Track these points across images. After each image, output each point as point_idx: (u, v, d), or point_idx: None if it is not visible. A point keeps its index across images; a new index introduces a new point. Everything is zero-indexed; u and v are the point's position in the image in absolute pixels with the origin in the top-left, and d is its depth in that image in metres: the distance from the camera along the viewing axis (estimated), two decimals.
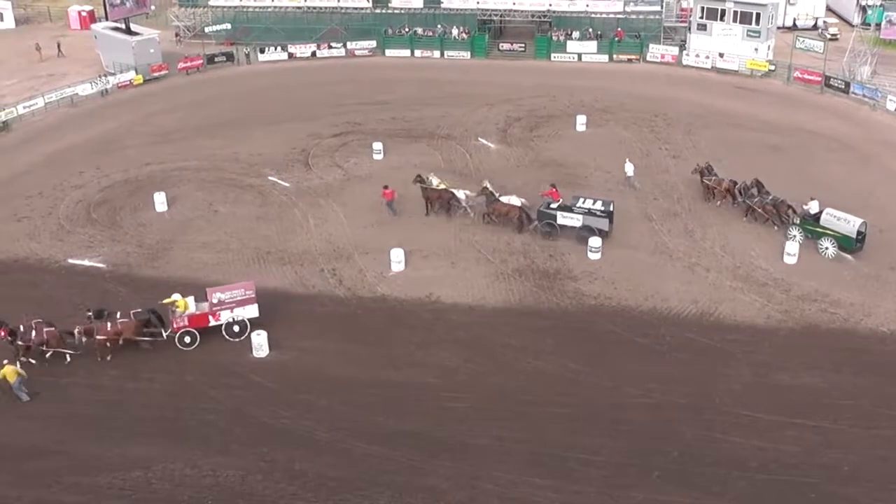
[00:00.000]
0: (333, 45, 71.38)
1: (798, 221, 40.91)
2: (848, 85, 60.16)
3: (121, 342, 34.42)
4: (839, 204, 41.15)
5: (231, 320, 35.16)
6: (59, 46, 72.67)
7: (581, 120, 54.78)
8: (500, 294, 38.01)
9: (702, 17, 66.21)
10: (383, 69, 67.88)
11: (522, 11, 71.36)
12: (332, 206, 45.73)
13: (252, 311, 35.25)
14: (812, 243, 40.32)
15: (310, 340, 35.43)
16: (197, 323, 34.99)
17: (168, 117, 59.30)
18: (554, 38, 69.30)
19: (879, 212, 42.97)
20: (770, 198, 42.40)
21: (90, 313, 34.62)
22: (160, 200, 45.99)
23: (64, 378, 33.52)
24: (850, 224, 39.58)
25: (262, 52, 70.99)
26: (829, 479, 27.79)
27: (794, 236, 40.65)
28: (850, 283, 38.03)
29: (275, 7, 74.60)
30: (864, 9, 74.10)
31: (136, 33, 68.12)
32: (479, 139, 53.52)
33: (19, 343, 33.96)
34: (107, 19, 69.51)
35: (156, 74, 66.58)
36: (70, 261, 41.59)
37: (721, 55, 65.16)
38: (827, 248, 39.81)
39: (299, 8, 74.48)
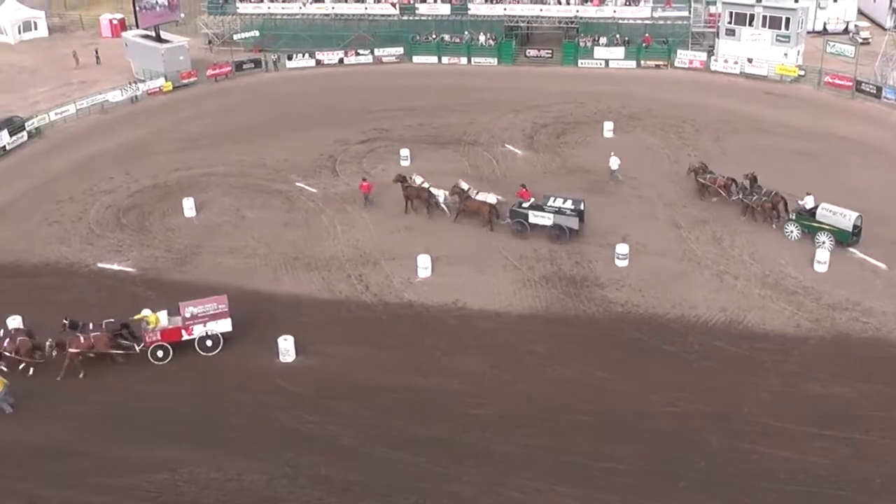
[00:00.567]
0: (361, 51, 71.49)
1: (794, 217, 41.23)
2: (880, 90, 59.48)
3: (92, 355, 33.97)
4: (873, 210, 40.91)
5: (204, 334, 34.80)
6: (97, 53, 73.29)
7: (608, 126, 54.52)
8: (527, 301, 37.81)
9: (730, 22, 65.58)
10: (410, 76, 67.91)
11: (549, 18, 71.21)
12: (359, 212, 45.69)
13: (225, 325, 34.82)
14: (809, 238, 40.67)
15: (336, 346, 35.35)
16: (169, 337, 34.64)
17: (197, 123, 59.56)
18: (581, 44, 69.08)
19: None
20: (763, 192, 42.64)
21: (66, 322, 34.34)
22: (188, 206, 46.18)
23: (92, 381, 33.61)
24: (846, 218, 39.83)
25: (290, 58, 71.15)
26: (860, 492, 27.32)
27: (791, 232, 41.22)
28: (881, 292, 37.50)
29: (303, 14, 74.88)
30: None
31: (165, 41, 68.55)
32: (506, 145, 53.37)
33: None
34: (137, 27, 70.03)
35: (185, 81, 66.93)
36: (100, 265, 41.83)
37: (750, 60, 64.61)
38: (824, 243, 39.92)
39: (327, 15, 74.69)
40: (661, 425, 30.31)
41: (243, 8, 75.62)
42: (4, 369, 33.75)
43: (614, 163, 48.03)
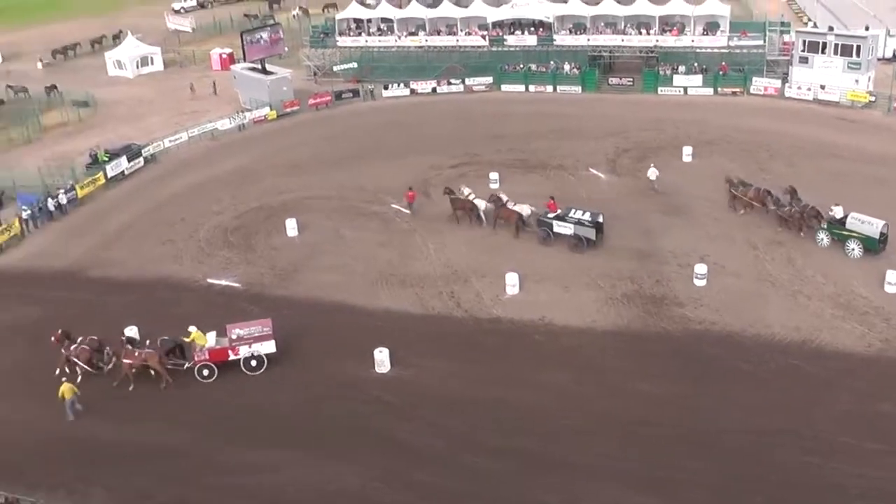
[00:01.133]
0: (453, 81, 72.15)
1: (825, 226, 41.97)
2: None
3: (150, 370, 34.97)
4: None
5: (249, 355, 35.28)
6: (214, 85, 75.49)
7: (687, 151, 54.17)
8: (610, 318, 37.81)
9: (804, 51, 64.60)
10: (499, 103, 68.29)
11: (631, 47, 71.17)
12: (451, 232, 46.21)
13: (269, 346, 35.18)
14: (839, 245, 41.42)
15: (428, 358, 35.77)
16: (217, 357, 35.16)
17: (299, 150, 60.70)
18: (661, 72, 68.70)
19: None
20: (801, 205, 43.20)
21: (125, 337, 35.45)
22: (291, 226, 47.20)
23: (201, 388, 34.75)
24: (873, 226, 40.61)
25: (387, 88, 72.17)
26: None
27: (822, 240, 42.07)
28: None
29: (398, 47, 76.09)
30: None
31: (270, 72, 70.29)
32: (590, 169, 53.31)
33: (63, 352, 35.28)
34: (245, 60, 71.95)
35: (288, 110, 68.39)
36: (209, 281, 43.04)
37: (822, 87, 63.57)
38: (853, 249, 40.84)
39: (421, 47, 75.74)
40: (738, 440, 30.04)
41: (342, 42, 77.31)
42: (80, 372, 35.21)
43: (653, 174, 49.66)
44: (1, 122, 69.64)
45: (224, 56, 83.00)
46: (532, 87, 70.89)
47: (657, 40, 69.91)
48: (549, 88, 70.53)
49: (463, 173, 53.98)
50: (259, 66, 70.67)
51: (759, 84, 66.27)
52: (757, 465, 28.90)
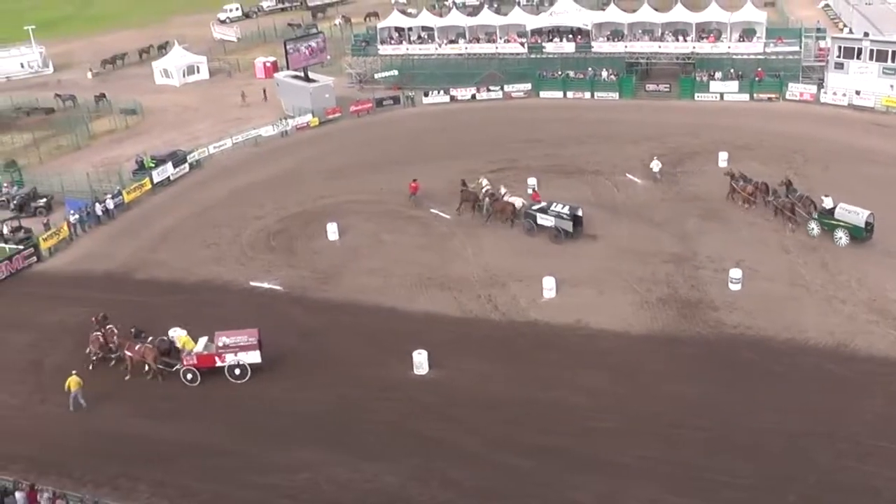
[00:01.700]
0: (492, 88, 72.18)
1: (816, 216, 43.29)
2: None
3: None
4: None
5: (234, 363, 35.23)
6: (264, 92, 75.98)
7: (723, 156, 53.70)
8: (645, 322, 37.57)
9: (839, 56, 63.90)
10: (537, 110, 68.25)
11: (668, 54, 71.01)
12: (489, 237, 46.17)
13: (254, 356, 35.08)
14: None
15: (466, 360, 35.74)
16: (203, 363, 35.28)
17: (340, 155, 60.98)
18: (697, 78, 68.26)
19: None
20: (797, 195, 44.91)
21: (133, 330, 36.69)
22: (332, 230, 47.40)
23: (242, 388, 34.95)
24: (859, 216, 41.94)
25: (427, 95, 72.32)
26: None
27: (813, 229, 43.32)
28: None
29: (438, 55, 76.27)
30: None
31: (313, 80, 70.74)
32: (627, 174, 53.08)
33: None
34: (288, 68, 72.44)
35: (330, 117, 68.76)
36: (251, 283, 43.31)
37: (857, 93, 62.85)
38: (840, 238, 42.18)
39: (460, 55, 75.94)
40: (771, 442, 29.74)
41: (384, 50, 77.66)
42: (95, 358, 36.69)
43: (656, 165, 51.73)
44: (51, 130, 70.78)
45: (268, 64, 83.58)
46: (570, 94, 70.76)
47: (694, 47, 69.74)
48: (587, 95, 70.36)
49: (501, 178, 53.77)
50: (302, 74, 71.13)
51: (795, 90, 65.71)
52: (791, 466, 28.59)
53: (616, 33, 72.14)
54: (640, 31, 71.18)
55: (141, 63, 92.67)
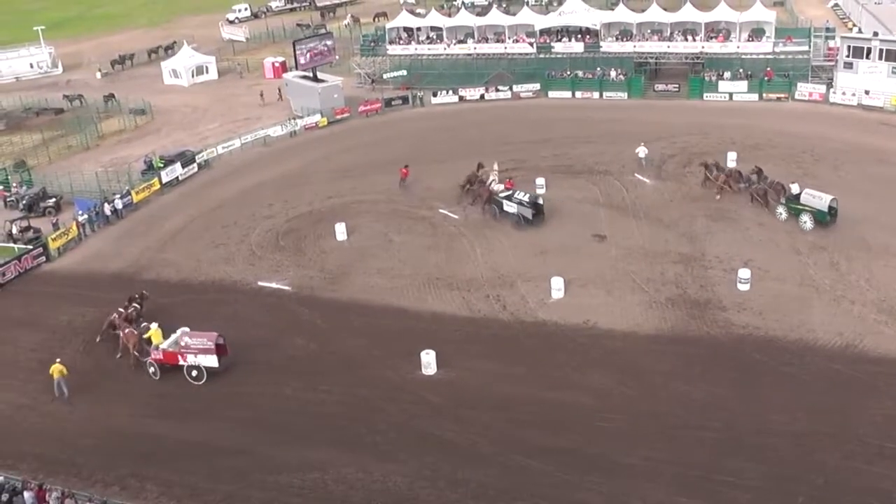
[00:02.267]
0: (500, 88, 72.14)
1: (784, 201, 45.14)
2: None
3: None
4: None
5: (193, 364, 35.22)
6: (279, 91, 75.92)
7: (732, 156, 53.47)
8: (653, 322, 37.48)
9: (848, 56, 63.72)
10: (546, 110, 68.21)
11: (676, 54, 70.93)
12: (498, 237, 46.13)
13: (211, 360, 35.05)
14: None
15: (475, 360, 35.70)
16: (167, 359, 35.50)
17: (349, 155, 61.01)
18: (706, 78, 68.11)
19: None
20: (768, 181, 46.72)
21: (131, 310, 38.37)
22: (341, 230, 47.41)
23: (250, 388, 34.98)
24: (822, 200, 43.65)
25: (435, 95, 72.30)
26: None
27: (781, 213, 45.14)
28: None
29: (447, 55, 76.35)
30: None
31: (322, 80, 70.81)
32: (635, 174, 52.96)
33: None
34: (297, 69, 72.53)
35: (339, 117, 68.82)
36: (260, 283, 43.34)
37: (867, 92, 62.64)
38: (805, 222, 43.91)
39: (469, 55, 76.00)
40: (779, 443, 29.63)
41: (392, 50, 77.82)
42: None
43: (642, 152, 53.31)
44: (60, 130, 71.03)
45: (276, 64, 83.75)
46: (578, 94, 70.67)
47: (703, 46, 69.64)
48: (596, 95, 70.28)
49: (510, 178, 53.66)
50: (311, 75, 71.21)
51: (804, 89, 65.52)
52: (799, 467, 28.49)
53: (625, 33, 72.09)
54: (648, 31, 71.08)
55: (150, 63, 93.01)
